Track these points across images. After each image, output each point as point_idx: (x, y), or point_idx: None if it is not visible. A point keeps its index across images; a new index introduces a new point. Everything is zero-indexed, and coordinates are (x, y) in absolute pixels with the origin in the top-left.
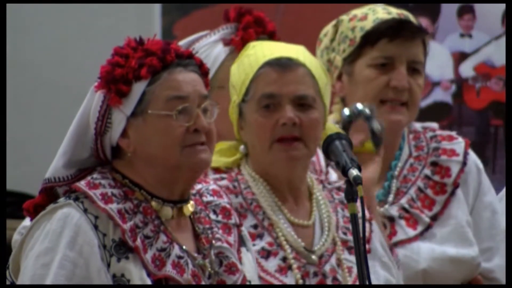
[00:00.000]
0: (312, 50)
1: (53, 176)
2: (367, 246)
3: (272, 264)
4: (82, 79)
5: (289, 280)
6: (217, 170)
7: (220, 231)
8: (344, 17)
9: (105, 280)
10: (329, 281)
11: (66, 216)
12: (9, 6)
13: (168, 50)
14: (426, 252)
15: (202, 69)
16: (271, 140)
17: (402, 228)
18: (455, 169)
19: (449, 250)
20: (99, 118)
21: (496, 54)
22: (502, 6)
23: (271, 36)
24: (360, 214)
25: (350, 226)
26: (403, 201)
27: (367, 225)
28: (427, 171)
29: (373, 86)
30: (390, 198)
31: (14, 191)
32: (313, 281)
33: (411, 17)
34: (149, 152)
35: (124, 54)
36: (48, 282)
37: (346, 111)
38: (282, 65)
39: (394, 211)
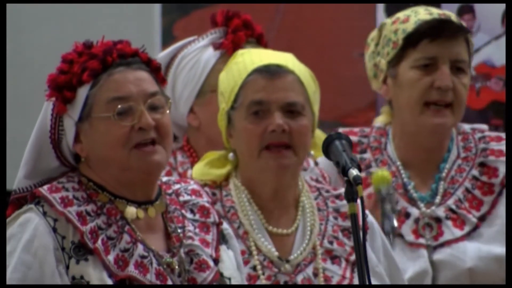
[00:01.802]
0: (312, 50)
1: (17, 187)
2: None
3: (244, 272)
4: None
5: None
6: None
7: (197, 230)
8: (387, 20)
9: (59, 283)
10: None
11: (27, 220)
12: (9, 6)
13: (110, 51)
14: (472, 251)
15: (151, 66)
16: (259, 147)
17: (449, 228)
18: (502, 169)
19: (495, 249)
20: (52, 127)
21: (496, 54)
22: (502, 6)
23: (259, 38)
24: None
25: (339, 234)
26: (450, 202)
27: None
28: (475, 172)
29: (417, 88)
30: (437, 199)
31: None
32: None
33: (452, 17)
34: (99, 155)
35: (69, 60)
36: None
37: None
38: (271, 72)
39: (441, 212)
